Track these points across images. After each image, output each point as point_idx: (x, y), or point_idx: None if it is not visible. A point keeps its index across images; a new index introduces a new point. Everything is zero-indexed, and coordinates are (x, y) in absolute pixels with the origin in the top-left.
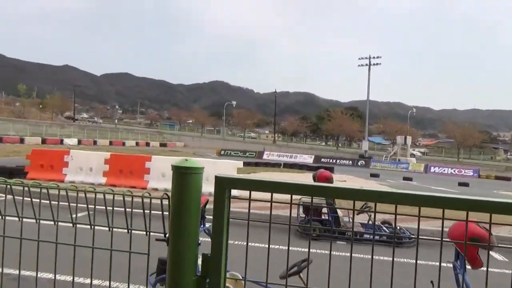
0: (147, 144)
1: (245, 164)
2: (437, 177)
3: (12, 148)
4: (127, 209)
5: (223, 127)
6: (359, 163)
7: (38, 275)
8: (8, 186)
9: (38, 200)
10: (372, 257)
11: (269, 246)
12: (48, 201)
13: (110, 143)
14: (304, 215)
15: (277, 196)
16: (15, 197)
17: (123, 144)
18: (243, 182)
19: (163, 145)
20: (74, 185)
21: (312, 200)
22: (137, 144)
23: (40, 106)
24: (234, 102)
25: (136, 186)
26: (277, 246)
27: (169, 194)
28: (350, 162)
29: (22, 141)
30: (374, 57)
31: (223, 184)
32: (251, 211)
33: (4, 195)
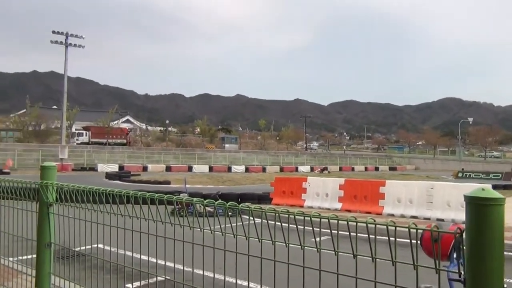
0: (376, 169)
1: (493, 187)
2: None
3: (257, 177)
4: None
5: (458, 146)
6: None
7: None
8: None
9: (285, 225)
10: None
11: None
12: (295, 226)
13: (340, 169)
14: None
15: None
16: (269, 221)
17: (352, 169)
18: None
19: (392, 168)
20: (317, 212)
21: None
22: (366, 169)
23: (277, 138)
24: (470, 119)
25: (371, 212)
26: None
27: (460, 226)
28: None
29: (264, 170)
30: None
31: None
32: None
33: (260, 220)
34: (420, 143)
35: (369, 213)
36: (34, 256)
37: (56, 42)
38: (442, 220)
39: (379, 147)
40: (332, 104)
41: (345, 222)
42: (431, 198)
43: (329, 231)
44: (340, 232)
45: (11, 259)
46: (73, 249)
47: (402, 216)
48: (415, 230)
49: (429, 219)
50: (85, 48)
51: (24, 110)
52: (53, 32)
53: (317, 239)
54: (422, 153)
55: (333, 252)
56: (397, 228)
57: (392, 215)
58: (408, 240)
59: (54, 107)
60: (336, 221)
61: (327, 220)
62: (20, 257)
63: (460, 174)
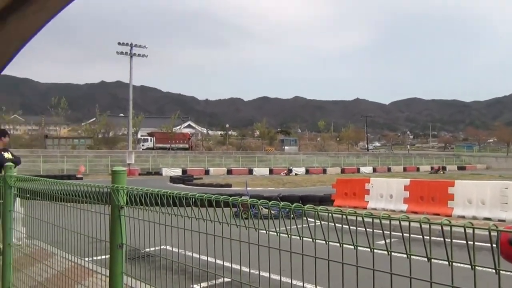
0: (443, 169)
1: None
2: None
3: (318, 178)
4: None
5: None
6: None
7: None
8: (318, 213)
9: (344, 226)
10: None
11: None
12: (363, 228)
13: (404, 169)
14: None
15: None
16: (336, 223)
17: (417, 169)
18: None
19: (461, 168)
20: (369, 212)
21: None
22: (432, 169)
23: (337, 138)
24: None
25: (440, 213)
26: None
27: None
28: None
29: (324, 171)
30: None
31: None
32: None
33: (323, 222)
34: (491, 140)
35: (438, 214)
36: (107, 256)
37: (122, 53)
38: None
39: (446, 146)
40: (394, 102)
41: (417, 224)
42: (505, 198)
43: (396, 233)
44: (410, 234)
45: (86, 259)
46: (143, 250)
47: (474, 218)
48: (491, 233)
49: (504, 221)
50: (148, 57)
51: (94, 119)
52: (119, 43)
53: (387, 241)
54: (494, 151)
55: (404, 256)
56: (475, 231)
57: (463, 216)
58: (483, 244)
59: (121, 115)
60: (407, 222)
61: (397, 221)
62: (95, 258)
63: None
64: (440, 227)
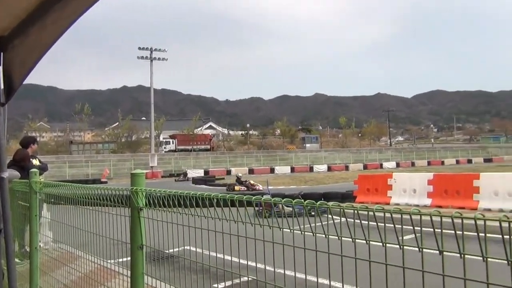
0: (469, 161)
1: None
2: None
3: (340, 175)
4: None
5: None
6: None
7: None
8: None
9: (366, 222)
10: None
11: None
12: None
13: (428, 163)
14: None
15: None
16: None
17: (442, 163)
18: None
19: (487, 160)
20: (398, 208)
21: None
22: (457, 162)
23: (359, 134)
24: None
25: (465, 207)
26: None
27: None
28: None
29: (347, 168)
30: None
31: None
32: None
33: (346, 219)
34: None
35: (463, 208)
36: (129, 258)
37: (142, 57)
38: None
39: (471, 138)
40: (416, 95)
41: (449, 219)
42: None
43: (425, 229)
44: (434, 229)
45: (111, 261)
46: (164, 251)
47: (501, 210)
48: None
49: None
50: (168, 60)
51: (117, 123)
52: (139, 48)
53: (417, 235)
54: None
55: (437, 252)
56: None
57: (489, 209)
58: None
59: (143, 118)
60: (439, 217)
61: (428, 216)
62: (119, 259)
63: None
64: (475, 221)
